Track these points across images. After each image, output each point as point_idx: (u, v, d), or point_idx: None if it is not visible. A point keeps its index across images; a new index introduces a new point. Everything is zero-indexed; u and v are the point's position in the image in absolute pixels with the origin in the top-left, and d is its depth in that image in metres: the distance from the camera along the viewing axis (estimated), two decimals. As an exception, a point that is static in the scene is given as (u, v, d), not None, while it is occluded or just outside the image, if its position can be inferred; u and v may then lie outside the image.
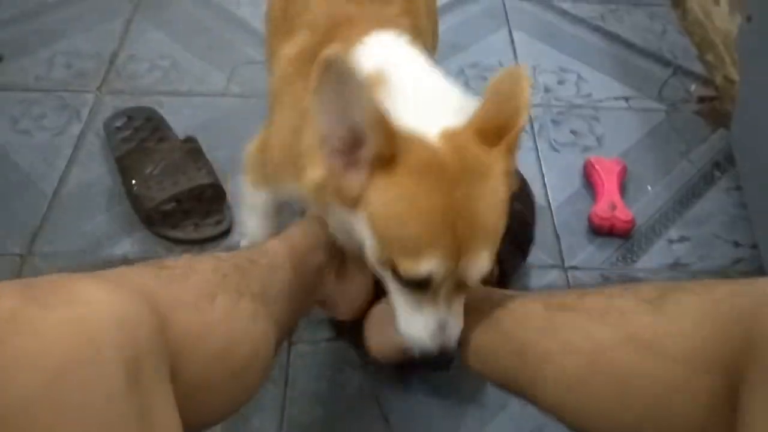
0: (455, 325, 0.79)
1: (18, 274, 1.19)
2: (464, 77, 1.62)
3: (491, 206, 0.73)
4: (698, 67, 1.69)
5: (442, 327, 0.77)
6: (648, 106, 1.58)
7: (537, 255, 1.26)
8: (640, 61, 1.70)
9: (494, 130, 0.75)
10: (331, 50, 0.68)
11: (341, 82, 0.66)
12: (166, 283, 0.67)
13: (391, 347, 0.91)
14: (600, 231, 1.29)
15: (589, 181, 1.38)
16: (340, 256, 0.98)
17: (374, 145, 0.70)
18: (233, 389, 0.72)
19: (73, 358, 0.49)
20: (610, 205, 1.30)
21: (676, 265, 1.26)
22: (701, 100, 1.60)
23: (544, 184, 1.39)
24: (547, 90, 1.60)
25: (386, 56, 0.84)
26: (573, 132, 1.50)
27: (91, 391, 0.50)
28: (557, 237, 1.30)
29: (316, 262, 0.95)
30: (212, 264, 0.76)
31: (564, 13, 1.83)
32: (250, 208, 1.13)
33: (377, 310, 0.98)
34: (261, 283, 0.80)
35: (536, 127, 1.51)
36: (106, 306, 0.54)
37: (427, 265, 0.71)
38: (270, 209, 1.10)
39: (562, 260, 1.26)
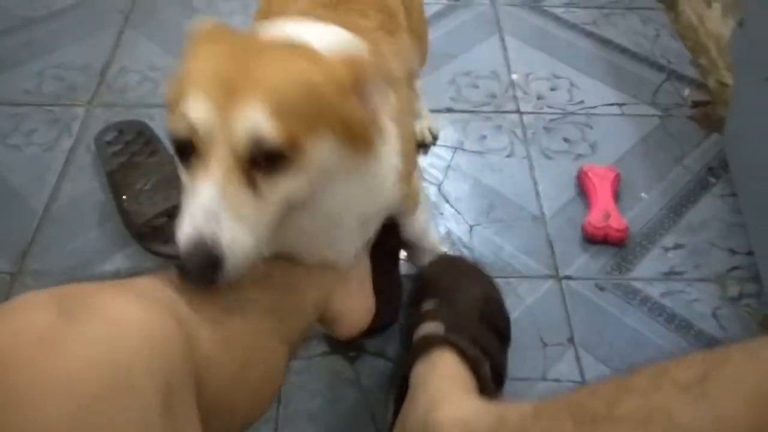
0: (228, 219, 0.63)
1: (8, 294, 1.18)
2: (456, 86, 1.61)
3: (284, 66, 0.68)
4: (692, 72, 1.68)
5: (207, 216, 0.63)
6: (642, 111, 1.57)
7: (530, 265, 1.25)
8: (634, 66, 1.69)
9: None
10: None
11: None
12: (187, 296, 0.64)
13: None
14: (594, 240, 1.28)
15: (582, 189, 1.37)
16: (347, 274, 0.96)
17: None
18: (250, 408, 0.71)
19: (108, 385, 0.48)
20: (603, 213, 1.29)
21: (671, 274, 1.25)
22: (695, 104, 1.59)
23: (537, 193, 1.38)
24: (539, 97, 1.59)
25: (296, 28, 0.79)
26: (566, 140, 1.49)
27: (126, 421, 0.48)
28: (551, 246, 1.29)
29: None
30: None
31: (556, 19, 1.82)
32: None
33: None
34: (274, 299, 0.78)
35: (528, 135, 1.50)
36: (138, 325, 0.52)
37: (183, 111, 0.65)
38: None
39: (556, 270, 1.25)
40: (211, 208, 0.63)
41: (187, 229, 0.63)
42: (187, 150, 0.66)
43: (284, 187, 0.67)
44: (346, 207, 0.77)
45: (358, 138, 0.71)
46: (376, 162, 0.78)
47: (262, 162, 0.65)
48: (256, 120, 0.63)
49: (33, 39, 1.72)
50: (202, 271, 0.63)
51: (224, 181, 0.63)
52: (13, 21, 1.76)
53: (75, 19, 1.79)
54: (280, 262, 0.85)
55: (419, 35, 1.27)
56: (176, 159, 0.69)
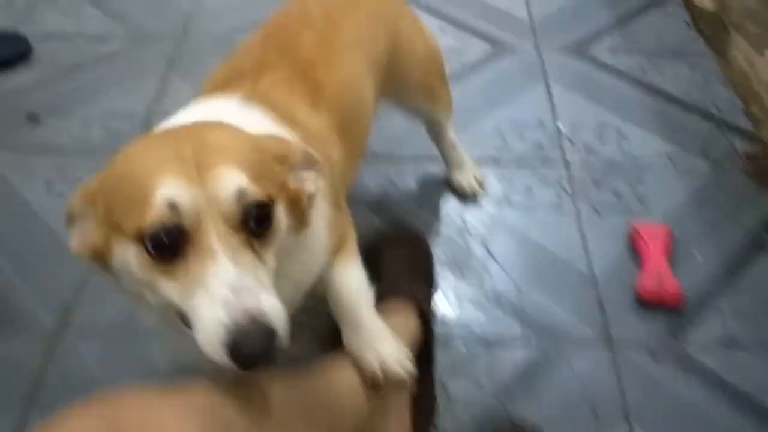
0: (257, 287, 0.61)
1: (53, 349, 1.18)
2: (501, 135, 1.59)
3: (229, 135, 0.69)
4: (743, 121, 1.63)
5: (237, 292, 0.60)
6: (692, 163, 1.53)
7: (579, 328, 1.21)
8: (683, 115, 1.65)
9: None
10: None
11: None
12: (250, 418, 0.62)
13: None
14: (647, 304, 1.24)
15: (634, 248, 1.33)
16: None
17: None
18: None
19: None
20: (656, 275, 1.25)
21: (728, 341, 1.20)
22: (748, 157, 1.55)
23: (586, 250, 1.34)
24: (586, 148, 1.56)
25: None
26: (615, 193, 1.46)
27: None
28: (602, 308, 1.25)
29: None
30: (283, 393, 0.73)
31: (603, 66, 1.79)
32: None
33: None
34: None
35: (576, 188, 1.47)
36: None
37: (161, 198, 0.61)
38: None
39: (608, 334, 1.21)
40: (239, 284, 0.60)
41: (229, 314, 0.59)
42: (174, 241, 0.62)
43: (272, 245, 0.67)
44: (284, 274, 0.72)
45: (297, 209, 0.72)
46: (310, 237, 0.79)
47: (252, 224, 0.64)
48: (238, 181, 0.63)
49: (79, 86, 1.74)
50: (263, 349, 0.59)
51: (232, 252, 0.62)
52: (60, 68, 1.79)
53: (120, 65, 1.81)
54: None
55: (438, 83, 1.31)
56: (144, 263, 0.64)
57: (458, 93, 1.48)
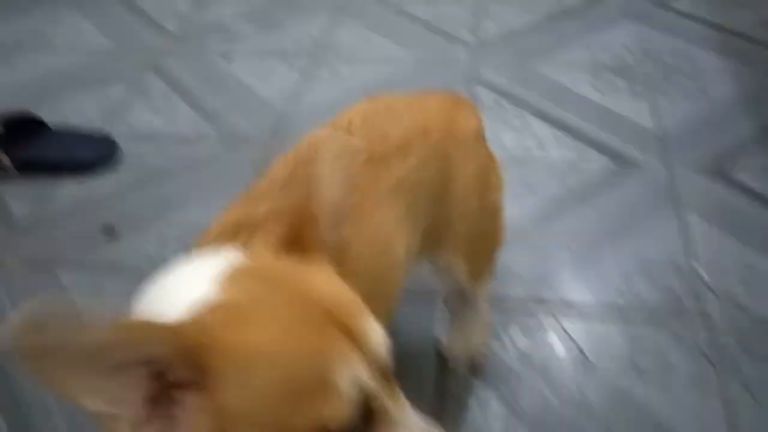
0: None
1: None
2: (625, 276, 1.35)
3: (337, 284, 0.60)
4: None
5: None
6: None
7: None
8: None
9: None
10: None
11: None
12: None
13: None
14: None
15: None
16: None
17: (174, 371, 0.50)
18: None
19: None
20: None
21: None
22: None
23: (738, 445, 1.08)
24: (732, 301, 1.30)
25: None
26: (773, 365, 1.18)
27: None
28: None
29: None
30: None
31: (747, 191, 1.53)
32: None
33: None
34: None
35: (721, 355, 1.20)
36: None
37: (347, 380, 0.52)
38: None
39: None
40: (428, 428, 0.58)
41: None
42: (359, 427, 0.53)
43: None
44: None
45: None
46: None
47: None
48: (381, 331, 0.58)
49: (162, 194, 1.64)
50: None
51: (404, 408, 0.58)
52: (144, 174, 1.70)
53: (207, 172, 1.70)
54: None
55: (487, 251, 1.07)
56: None
57: (571, 219, 1.26)
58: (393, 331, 0.62)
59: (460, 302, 1.17)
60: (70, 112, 1.87)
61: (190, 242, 1.46)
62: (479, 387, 1.18)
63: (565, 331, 1.26)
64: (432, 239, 0.94)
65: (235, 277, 0.58)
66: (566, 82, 1.89)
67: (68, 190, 1.65)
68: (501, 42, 2.09)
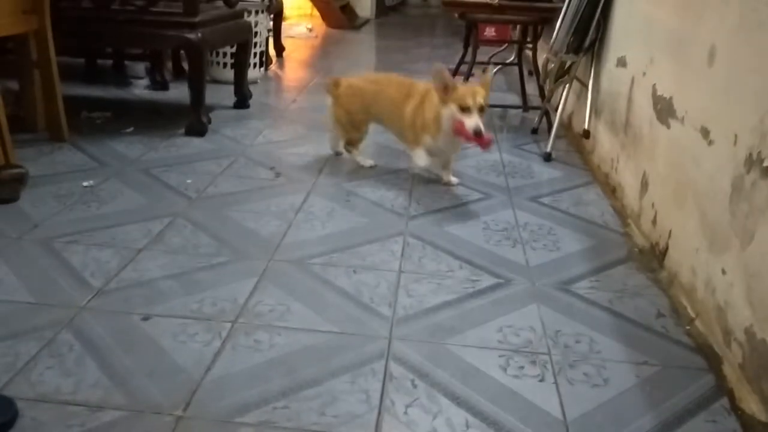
0: (479, 122, 2.97)
1: None
2: None
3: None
4: None
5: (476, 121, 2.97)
6: None
7: None
8: None
9: None
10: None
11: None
12: None
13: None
14: None
15: None
16: None
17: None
18: None
19: None
20: None
21: None
22: None
23: None
24: None
25: None
26: None
27: None
28: None
29: None
30: None
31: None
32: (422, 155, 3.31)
33: None
34: None
35: None
36: None
37: (469, 99, 3.00)
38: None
39: None
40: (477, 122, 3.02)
41: (475, 125, 3.01)
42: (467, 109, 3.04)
43: None
44: None
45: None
46: None
47: None
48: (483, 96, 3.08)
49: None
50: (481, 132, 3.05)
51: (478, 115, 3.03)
52: (182, 267, 2.15)
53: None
54: None
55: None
56: (458, 113, 3.05)
57: None
58: None
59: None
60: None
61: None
62: None
63: None
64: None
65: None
66: (476, 362, 1.96)
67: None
68: (416, 318, 2.19)
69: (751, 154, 1.94)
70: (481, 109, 3.02)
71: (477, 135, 2.98)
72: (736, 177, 2.02)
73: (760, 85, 1.92)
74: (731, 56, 2.17)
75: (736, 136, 2.04)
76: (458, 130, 3.06)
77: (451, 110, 3.06)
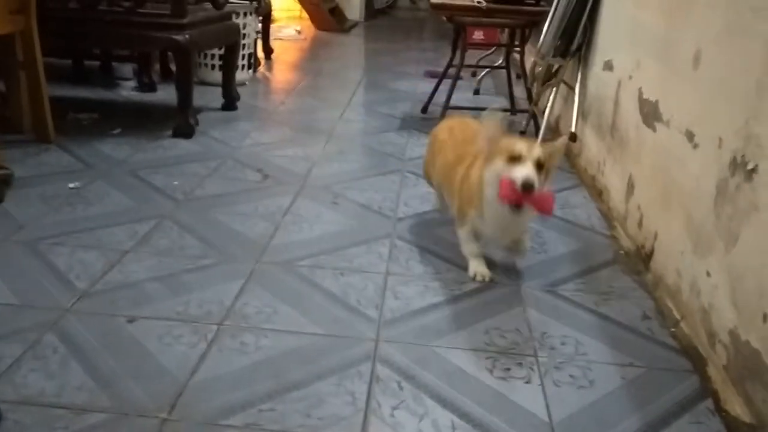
0: (533, 174, 2.08)
1: None
2: None
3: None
4: None
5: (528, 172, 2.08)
6: None
7: None
8: None
9: None
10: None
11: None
12: None
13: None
14: None
15: None
16: None
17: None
18: None
19: None
20: None
21: None
22: None
23: None
24: None
25: None
26: None
27: None
28: None
29: None
30: None
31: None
32: (467, 241, 2.49)
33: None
34: None
35: None
36: None
37: (521, 147, 2.15)
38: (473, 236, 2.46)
39: None
40: (528, 171, 2.09)
41: (523, 175, 2.08)
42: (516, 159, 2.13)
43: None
44: None
45: None
46: None
47: None
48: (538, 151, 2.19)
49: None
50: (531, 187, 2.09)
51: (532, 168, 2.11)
52: (168, 269, 2.27)
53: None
54: None
55: None
56: (507, 165, 2.16)
57: None
58: None
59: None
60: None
61: None
62: None
63: None
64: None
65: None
66: (463, 364, 1.97)
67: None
68: (403, 320, 2.19)
69: (735, 158, 1.95)
70: (539, 166, 2.09)
71: (526, 189, 2.02)
72: (720, 180, 2.04)
73: (745, 89, 1.94)
74: (716, 60, 2.19)
75: (720, 139, 2.06)
76: (503, 192, 2.11)
77: (496, 167, 2.15)
